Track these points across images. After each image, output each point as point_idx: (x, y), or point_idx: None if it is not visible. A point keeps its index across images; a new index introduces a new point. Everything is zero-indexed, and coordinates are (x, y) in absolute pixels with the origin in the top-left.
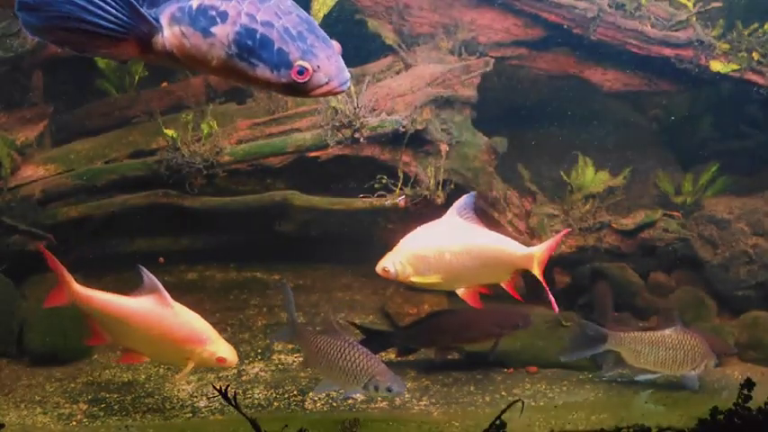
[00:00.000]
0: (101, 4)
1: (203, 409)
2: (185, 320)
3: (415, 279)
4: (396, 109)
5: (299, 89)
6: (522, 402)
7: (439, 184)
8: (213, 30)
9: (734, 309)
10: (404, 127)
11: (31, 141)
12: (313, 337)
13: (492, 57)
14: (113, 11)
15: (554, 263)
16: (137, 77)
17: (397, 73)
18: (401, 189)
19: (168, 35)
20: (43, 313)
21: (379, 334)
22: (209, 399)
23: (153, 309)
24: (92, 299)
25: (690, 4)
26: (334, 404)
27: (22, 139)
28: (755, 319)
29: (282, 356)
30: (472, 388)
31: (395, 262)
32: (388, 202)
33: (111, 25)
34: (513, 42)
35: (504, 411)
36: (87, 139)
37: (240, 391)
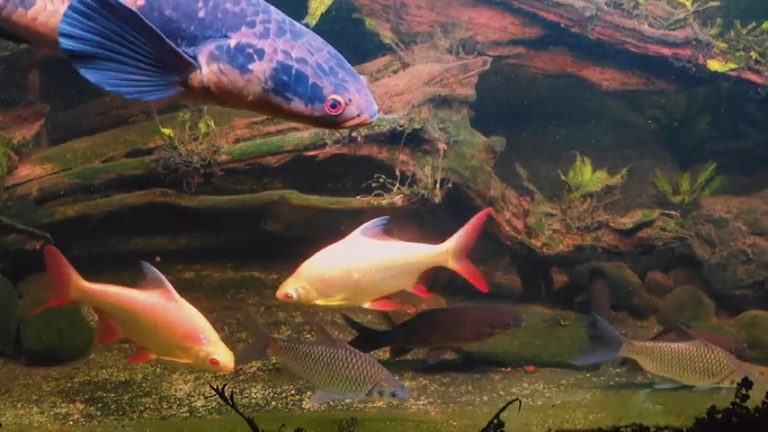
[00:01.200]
0: (138, 43)
1: (200, 409)
2: (188, 315)
3: (319, 302)
4: (393, 108)
5: (332, 121)
6: (520, 402)
7: (437, 183)
8: (251, 66)
9: (732, 308)
10: (401, 126)
11: (27, 140)
12: (296, 346)
13: (490, 56)
14: (151, 49)
15: (552, 262)
16: None
17: (395, 72)
18: (399, 188)
19: (206, 72)
20: (40, 312)
21: (370, 333)
22: (206, 398)
23: (159, 301)
24: (107, 293)
25: (688, 3)
26: (332, 403)
27: (18, 138)
28: (754, 318)
29: None
30: (470, 387)
31: (297, 287)
32: (385, 201)
33: (148, 60)
34: (511, 41)
35: (501, 410)
36: (84, 138)
37: (237, 391)
